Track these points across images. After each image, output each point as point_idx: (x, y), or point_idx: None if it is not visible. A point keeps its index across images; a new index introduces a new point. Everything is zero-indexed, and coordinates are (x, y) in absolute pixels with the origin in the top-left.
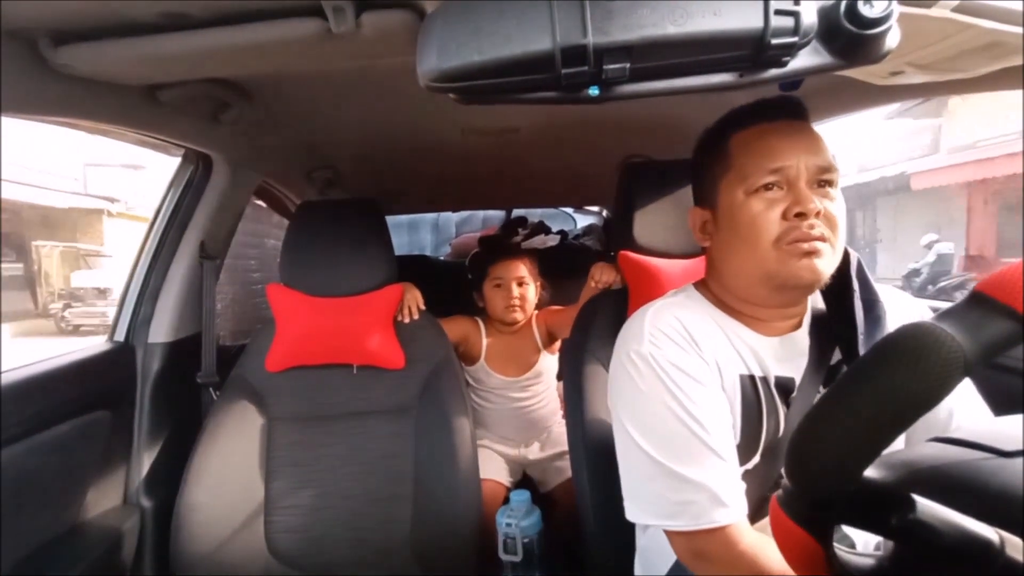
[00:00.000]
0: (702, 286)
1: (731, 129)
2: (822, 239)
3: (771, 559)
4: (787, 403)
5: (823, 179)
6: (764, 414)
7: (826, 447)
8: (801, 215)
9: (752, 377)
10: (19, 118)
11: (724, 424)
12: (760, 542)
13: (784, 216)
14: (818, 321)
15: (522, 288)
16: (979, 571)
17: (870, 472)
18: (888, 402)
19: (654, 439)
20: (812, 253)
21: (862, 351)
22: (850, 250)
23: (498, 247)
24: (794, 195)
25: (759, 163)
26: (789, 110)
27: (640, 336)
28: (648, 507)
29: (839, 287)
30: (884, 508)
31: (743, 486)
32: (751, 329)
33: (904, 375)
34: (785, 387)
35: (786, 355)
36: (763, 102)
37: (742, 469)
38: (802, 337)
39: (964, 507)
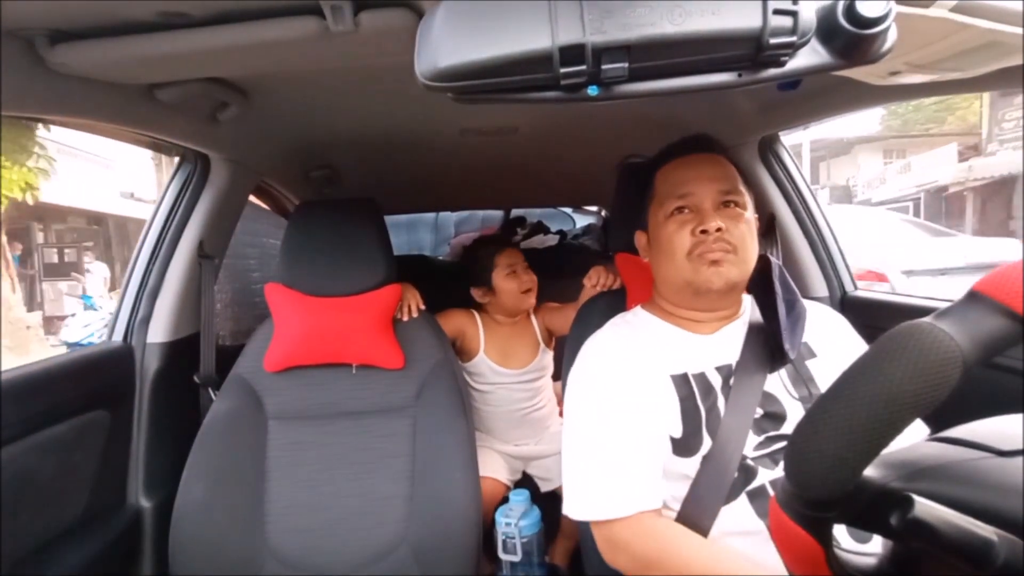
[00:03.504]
0: (650, 303)
1: (656, 165)
2: (725, 250)
3: (678, 546)
4: (730, 386)
5: (727, 200)
6: (700, 403)
7: (825, 447)
8: (704, 232)
9: (684, 375)
10: (16, 117)
11: (645, 428)
12: (669, 530)
13: (692, 233)
14: (755, 317)
15: (529, 274)
16: (979, 571)
17: (869, 471)
18: (886, 402)
19: (581, 442)
20: (716, 262)
21: (785, 342)
22: (772, 259)
23: (494, 238)
24: (699, 216)
25: (671, 191)
26: (700, 145)
27: (588, 355)
28: (574, 501)
29: (765, 290)
30: (883, 507)
31: (654, 480)
32: (689, 331)
33: (901, 375)
34: (725, 372)
35: (723, 346)
36: (680, 141)
37: (698, 456)
38: (737, 329)
39: (962, 507)
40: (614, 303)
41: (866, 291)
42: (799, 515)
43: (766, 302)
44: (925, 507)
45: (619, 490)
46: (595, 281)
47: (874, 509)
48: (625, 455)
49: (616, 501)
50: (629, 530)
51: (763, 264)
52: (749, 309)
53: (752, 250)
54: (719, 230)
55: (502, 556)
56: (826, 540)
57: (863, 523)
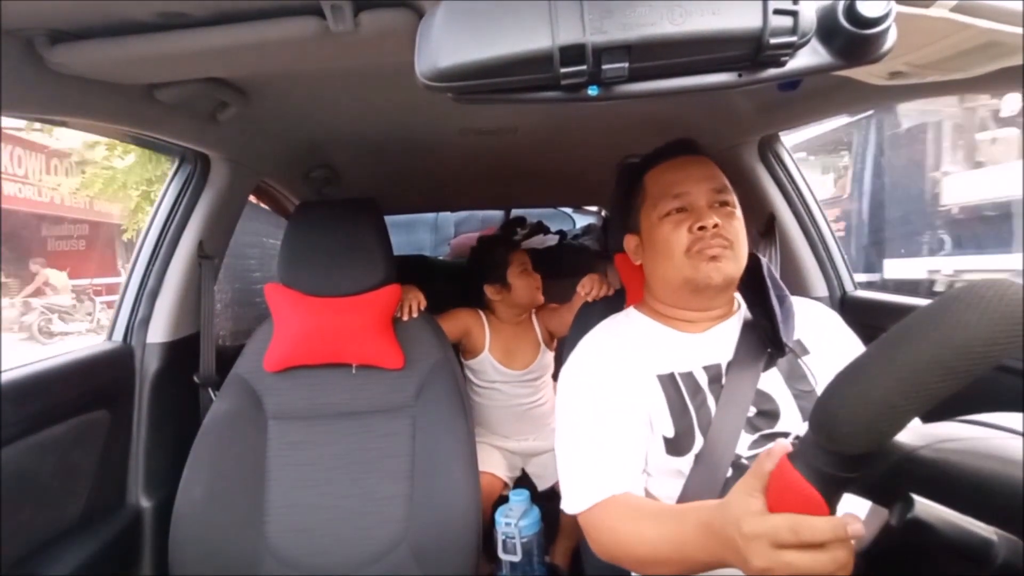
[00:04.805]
0: (642, 305)
1: (645, 168)
2: (723, 246)
3: (642, 526)
4: (719, 385)
5: (719, 200)
6: (688, 402)
7: (872, 390)
8: (702, 228)
9: (672, 375)
10: (16, 117)
11: (629, 426)
12: (639, 505)
13: (690, 231)
14: (748, 316)
15: (535, 273)
16: (979, 570)
17: (900, 437)
18: (956, 347)
19: (569, 440)
20: (715, 258)
21: (782, 336)
22: (760, 256)
23: (502, 238)
24: (695, 214)
25: (665, 192)
26: (687, 148)
27: (578, 355)
28: (568, 498)
29: (756, 287)
30: (907, 475)
31: (635, 471)
32: (680, 331)
33: (977, 322)
34: (714, 372)
35: (713, 345)
36: (668, 144)
37: (691, 454)
38: (728, 329)
39: (991, 479)
40: (613, 304)
41: (866, 291)
42: (815, 471)
43: (756, 299)
44: (925, 507)
45: (599, 478)
46: (588, 289)
47: (896, 475)
48: (608, 449)
49: (596, 488)
50: (605, 512)
51: (752, 262)
52: (742, 309)
53: (746, 247)
54: (716, 226)
55: (502, 556)
56: (834, 504)
57: (880, 492)
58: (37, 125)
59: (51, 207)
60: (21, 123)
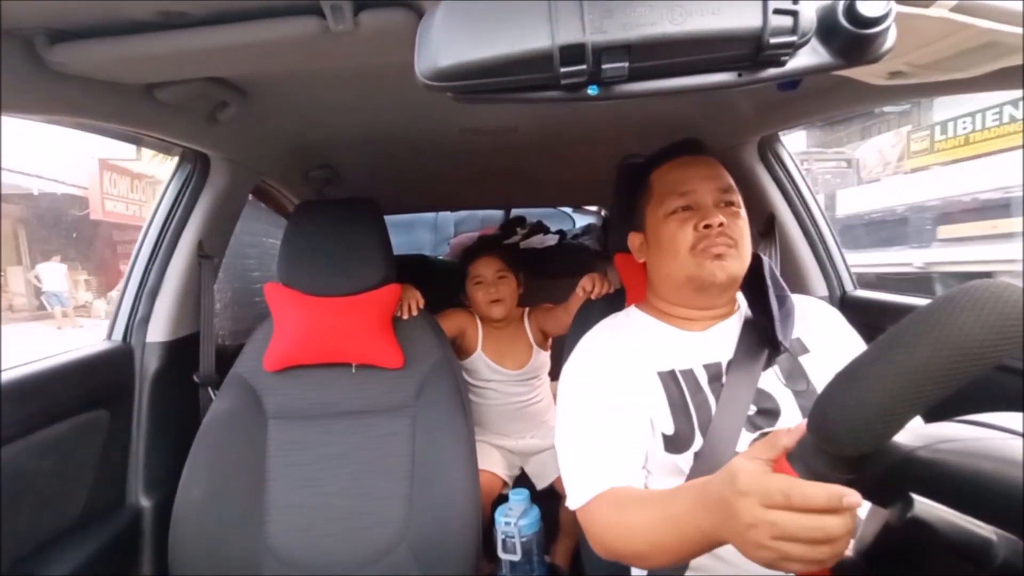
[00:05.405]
0: (644, 303)
1: (651, 167)
2: (728, 244)
3: (637, 512)
4: (719, 384)
5: (725, 199)
6: (689, 401)
7: (869, 395)
8: (708, 226)
9: (672, 372)
10: (15, 117)
11: (630, 422)
12: (625, 503)
13: (695, 228)
14: (749, 315)
15: (501, 283)
16: (978, 570)
17: (899, 438)
18: (952, 350)
19: (570, 436)
20: (720, 256)
21: (779, 335)
22: (762, 256)
23: (475, 246)
24: (701, 212)
25: (671, 190)
26: (694, 148)
27: (578, 354)
28: (571, 494)
29: (757, 286)
30: (905, 476)
31: (634, 466)
32: (681, 329)
33: (973, 323)
34: (714, 371)
35: (714, 344)
36: (674, 144)
37: (690, 452)
38: (730, 326)
39: (985, 479)
40: (614, 303)
41: (866, 291)
42: (813, 472)
43: (756, 299)
44: (925, 507)
45: (598, 473)
46: (589, 288)
47: (895, 476)
48: (608, 446)
49: (595, 482)
50: (602, 505)
51: (753, 262)
52: (743, 308)
53: (750, 246)
54: (721, 225)
55: (502, 555)
56: None
57: (879, 492)
58: (131, 155)
59: (131, 218)
60: (123, 153)
